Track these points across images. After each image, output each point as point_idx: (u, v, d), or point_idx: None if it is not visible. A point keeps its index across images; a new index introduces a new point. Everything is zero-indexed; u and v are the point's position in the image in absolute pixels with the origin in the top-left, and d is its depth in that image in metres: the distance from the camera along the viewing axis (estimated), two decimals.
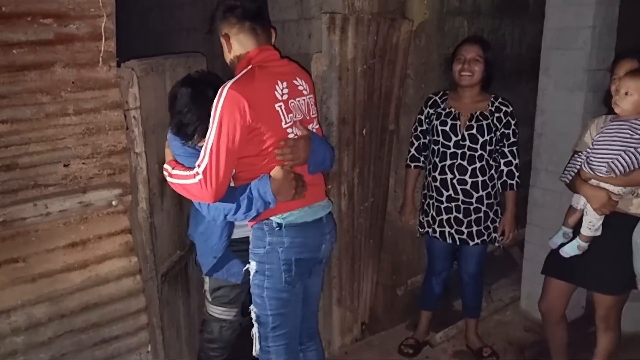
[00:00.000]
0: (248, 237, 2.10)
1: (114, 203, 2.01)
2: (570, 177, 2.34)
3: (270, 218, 1.96)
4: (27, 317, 1.89)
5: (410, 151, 2.86)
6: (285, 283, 2.00)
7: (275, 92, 1.92)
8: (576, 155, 2.36)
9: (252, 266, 2.02)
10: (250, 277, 2.04)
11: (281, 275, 1.99)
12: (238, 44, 1.98)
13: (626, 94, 2.15)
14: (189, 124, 2.00)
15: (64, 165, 1.88)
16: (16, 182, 1.79)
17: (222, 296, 2.34)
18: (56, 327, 1.96)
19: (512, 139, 2.69)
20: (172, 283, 2.52)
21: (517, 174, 2.73)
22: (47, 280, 1.92)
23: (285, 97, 1.95)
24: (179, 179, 1.91)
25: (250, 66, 1.92)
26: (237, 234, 2.23)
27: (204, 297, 2.41)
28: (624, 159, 2.12)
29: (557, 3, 2.98)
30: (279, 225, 1.97)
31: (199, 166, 1.82)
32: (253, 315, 2.06)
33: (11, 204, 1.79)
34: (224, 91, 1.81)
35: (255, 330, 2.08)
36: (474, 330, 3.04)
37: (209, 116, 1.84)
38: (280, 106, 1.93)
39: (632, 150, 2.13)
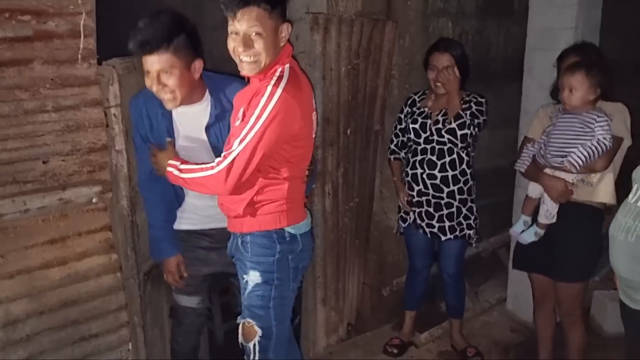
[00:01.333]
0: (209, 230, 2.17)
1: (94, 200, 2.01)
2: (526, 166, 2.42)
3: (285, 228, 1.92)
4: (4, 314, 1.88)
5: (390, 147, 2.92)
6: (291, 291, 1.99)
7: (313, 100, 1.91)
8: (529, 145, 2.44)
9: (255, 277, 1.91)
10: (248, 288, 1.94)
11: (289, 283, 1.97)
12: (287, 36, 1.84)
13: (571, 90, 2.20)
14: (143, 32, 1.87)
15: (43, 162, 1.87)
16: None
17: (185, 285, 2.30)
18: (34, 324, 1.94)
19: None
20: (156, 282, 2.51)
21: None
22: (25, 277, 1.90)
23: (315, 105, 1.94)
24: (192, 173, 1.84)
25: (287, 65, 1.82)
26: (193, 224, 2.22)
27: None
28: (582, 153, 2.18)
29: (539, 4, 2.99)
30: (292, 235, 1.94)
31: (225, 157, 1.74)
32: (258, 330, 1.94)
33: None
34: (276, 92, 1.71)
35: (254, 344, 1.95)
36: (458, 330, 3.04)
37: (161, 41, 1.83)
38: (315, 115, 1.93)
39: (589, 144, 2.18)
